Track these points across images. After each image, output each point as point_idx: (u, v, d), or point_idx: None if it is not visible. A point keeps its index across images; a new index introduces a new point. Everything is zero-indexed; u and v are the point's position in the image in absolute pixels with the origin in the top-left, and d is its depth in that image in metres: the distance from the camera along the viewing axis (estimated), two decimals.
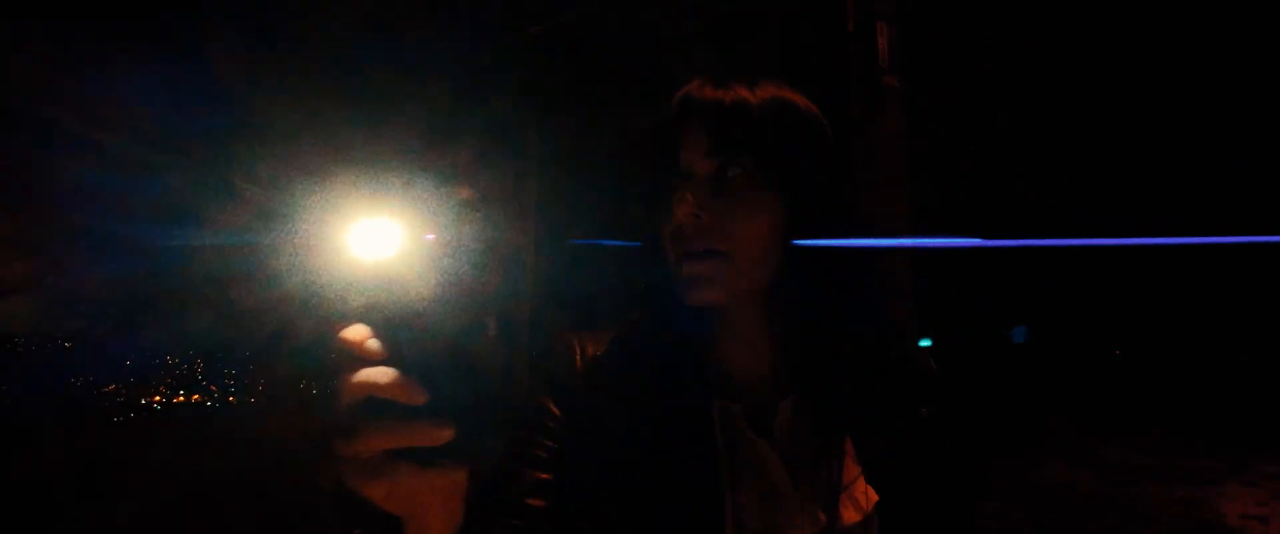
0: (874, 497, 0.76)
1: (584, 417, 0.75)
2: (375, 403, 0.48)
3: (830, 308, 0.78)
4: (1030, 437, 5.29)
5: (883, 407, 0.80)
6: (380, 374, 0.48)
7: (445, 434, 0.49)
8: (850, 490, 0.75)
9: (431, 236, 0.50)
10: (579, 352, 0.79)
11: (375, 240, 0.49)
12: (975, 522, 0.81)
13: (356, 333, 0.49)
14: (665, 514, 0.71)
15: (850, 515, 0.74)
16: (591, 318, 0.84)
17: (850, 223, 0.79)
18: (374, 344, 0.49)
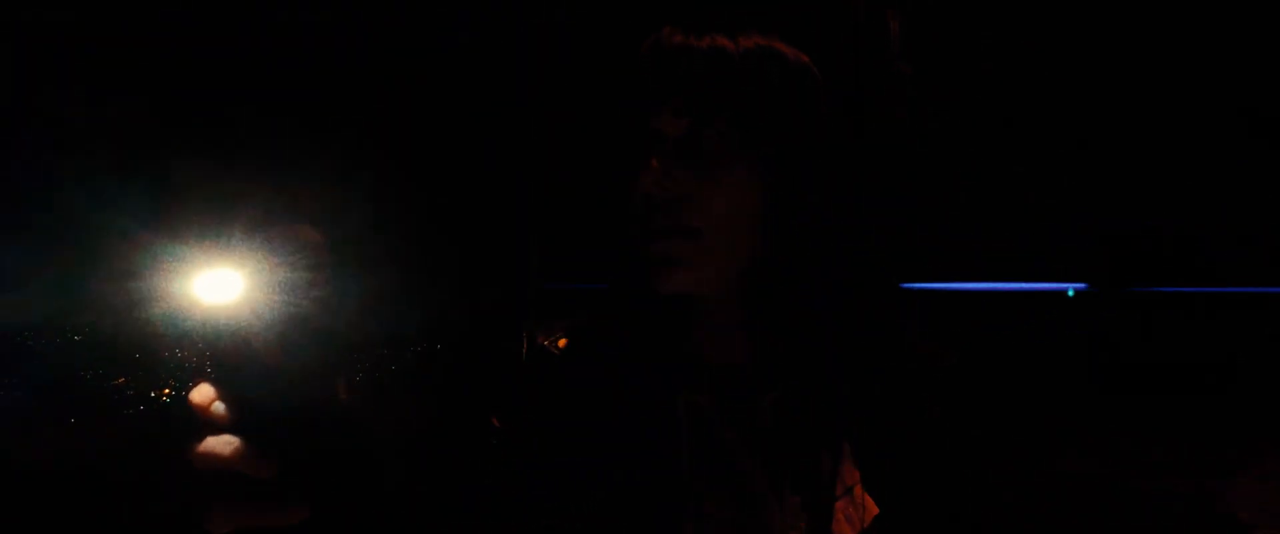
0: (874, 509, 0.67)
1: (532, 418, 0.66)
2: (224, 477, 0.42)
3: (822, 295, 0.68)
4: (1039, 427, 5.27)
5: (887, 404, 0.70)
6: (224, 444, 0.42)
7: (297, 513, 0.43)
8: (848, 498, 0.66)
9: (281, 281, 0.44)
10: (527, 344, 0.70)
11: (219, 288, 0.43)
12: (977, 527, 0.73)
13: (202, 395, 0.43)
14: (620, 523, 0.63)
15: (844, 529, 0.65)
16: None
17: (847, 197, 0.69)
18: (220, 407, 0.43)
